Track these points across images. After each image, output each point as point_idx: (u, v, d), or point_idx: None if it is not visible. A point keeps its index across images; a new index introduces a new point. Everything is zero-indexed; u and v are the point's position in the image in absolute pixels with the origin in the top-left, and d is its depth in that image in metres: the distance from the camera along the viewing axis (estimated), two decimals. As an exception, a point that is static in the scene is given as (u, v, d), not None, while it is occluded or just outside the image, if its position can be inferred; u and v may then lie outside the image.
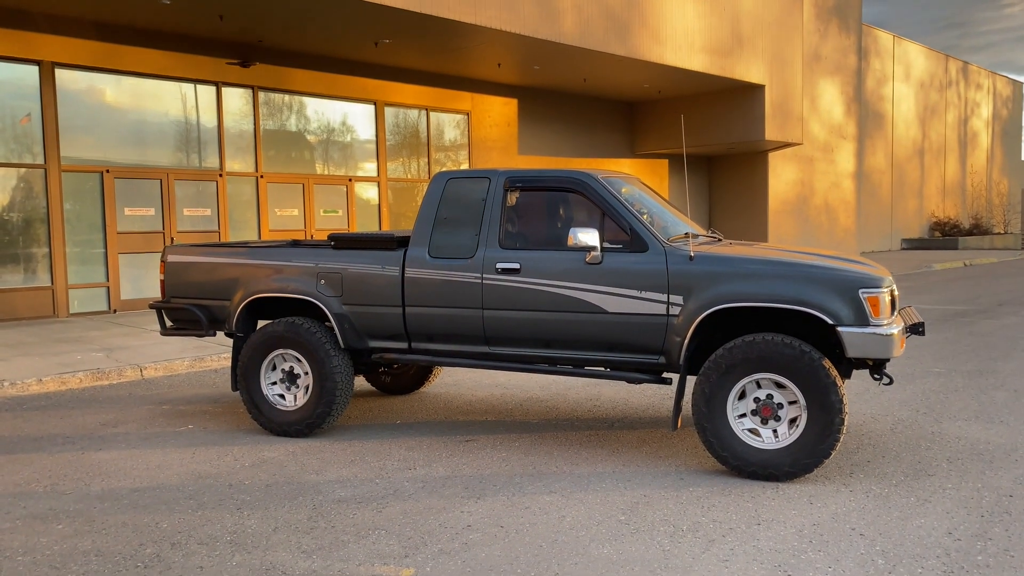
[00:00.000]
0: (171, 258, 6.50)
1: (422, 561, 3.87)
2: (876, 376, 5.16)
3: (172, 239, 14.22)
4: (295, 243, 7.26)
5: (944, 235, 35.53)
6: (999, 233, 38.27)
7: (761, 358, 4.89)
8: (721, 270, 5.06)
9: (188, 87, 14.45)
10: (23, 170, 12.64)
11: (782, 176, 24.79)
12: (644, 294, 5.19)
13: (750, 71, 20.08)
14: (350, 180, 16.81)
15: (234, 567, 3.82)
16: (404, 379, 7.52)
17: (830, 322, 4.81)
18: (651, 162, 24.20)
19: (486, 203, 5.71)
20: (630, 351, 5.33)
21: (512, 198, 5.69)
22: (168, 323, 6.63)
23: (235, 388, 6.33)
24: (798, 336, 5.26)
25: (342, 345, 5.95)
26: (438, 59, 16.55)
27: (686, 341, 5.10)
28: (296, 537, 4.17)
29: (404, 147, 17.94)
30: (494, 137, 19.42)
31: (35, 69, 12.67)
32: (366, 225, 17.15)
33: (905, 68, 33.90)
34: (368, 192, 17.30)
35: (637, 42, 16.87)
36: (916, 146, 35.15)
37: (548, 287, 5.40)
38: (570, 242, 5.18)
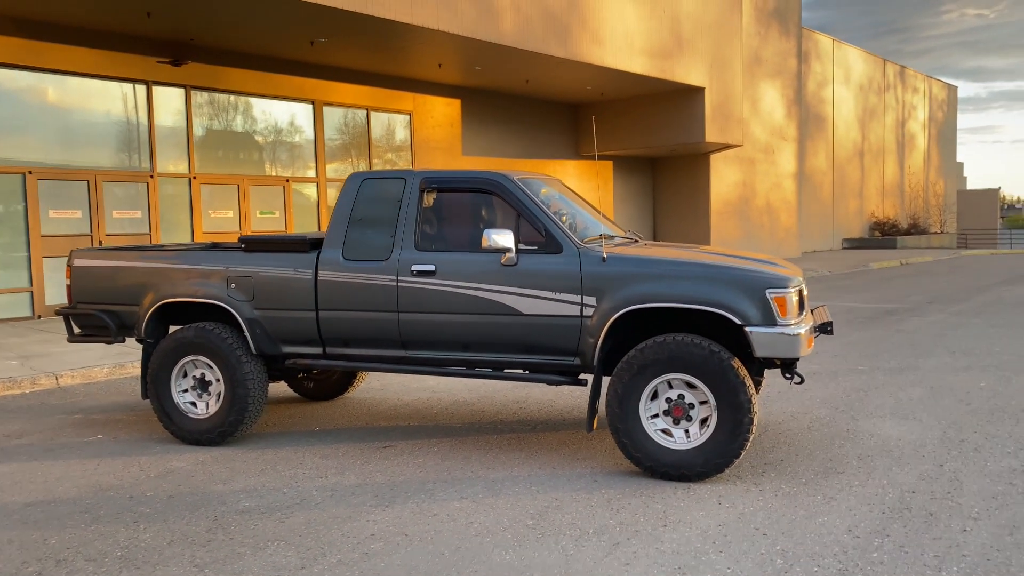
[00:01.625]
0: (77, 262, 6.28)
1: (318, 572, 3.76)
2: (787, 375, 5.20)
3: (101, 242, 13.82)
4: (214, 245, 7.07)
5: (883, 235, 36.39)
6: (936, 233, 39.34)
7: (672, 358, 4.89)
8: (633, 271, 5.04)
9: (117, 86, 14.06)
10: (-61, 171, 12.16)
11: (724, 178, 25.12)
12: (558, 295, 5.16)
13: (690, 73, 20.29)
14: (287, 181, 16.54)
15: (119, 584, 3.67)
16: (327, 384, 7.39)
17: (738, 322, 4.83)
18: (595, 164, 24.32)
19: (402, 204, 5.62)
20: (546, 353, 5.29)
21: (428, 199, 5.61)
22: (76, 329, 6.40)
23: (145, 396, 6.13)
24: (712, 336, 5.28)
25: (254, 351, 5.81)
26: (378, 59, 16.39)
27: (599, 342, 5.07)
28: (191, 550, 4.03)
29: (345, 148, 17.72)
30: (437, 138, 19.30)
31: (-49, 66, 12.20)
32: (304, 227, 16.90)
33: (845, 71, 34.64)
34: (307, 193, 17.05)
35: (577, 44, 16.92)
36: (856, 148, 35.94)
37: (464, 289, 5.33)
38: (484, 244, 5.12)
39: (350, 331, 5.64)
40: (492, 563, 3.85)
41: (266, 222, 16.22)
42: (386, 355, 5.66)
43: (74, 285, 6.27)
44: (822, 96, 32.90)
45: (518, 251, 5.27)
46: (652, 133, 22.04)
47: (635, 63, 18.48)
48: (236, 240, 6.20)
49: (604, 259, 5.10)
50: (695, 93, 21.02)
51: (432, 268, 5.40)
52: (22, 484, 5.11)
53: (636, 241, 5.98)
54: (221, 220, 15.55)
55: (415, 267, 5.43)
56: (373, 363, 5.72)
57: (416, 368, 5.63)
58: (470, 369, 5.60)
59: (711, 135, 21.35)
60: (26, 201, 13.00)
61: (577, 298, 5.12)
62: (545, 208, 5.34)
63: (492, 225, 5.51)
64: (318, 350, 5.80)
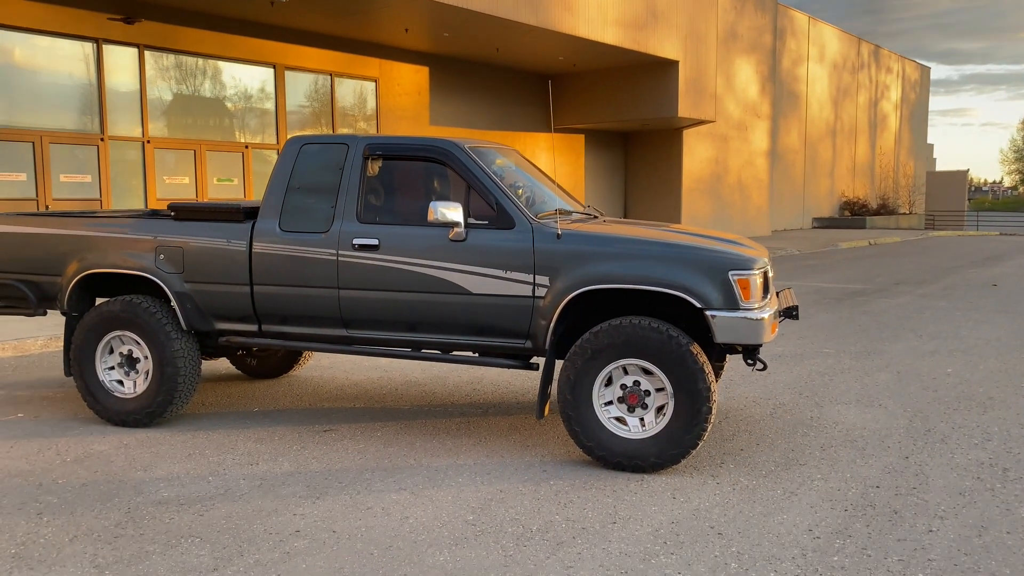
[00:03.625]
0: (-6, 228, 5.81)
1: (232, 575, 3.43)
2: (749, 362, 4.92)
3: (47, 206, 13.21)
4: (153, 213, 6.62)
5: (853, 214, 36.43)
6: (904, 213, 39.48)
7: (627, 343, 4.58)
8: (589, 249, 4.71)
9: (65, 43, 13.36)
10: None
11: (697, 154, 24.83)
12: (509, 274, 4.81)
13: (664, 46, 19.89)
14: (247, 147, 15.96)
15: (6, 588, 3.31)
16: (271, 362, 7.01)
17: (698, 305, 4.53)
18: (568, 137, 23.91)
19: (343, 172, 5.22)
20: (496, 335, 4.96)
21: (373, 167, 5.22)
22: (-6, 301, 5.95)
23: (68, 373, 5.72)
24: (672, 319, 4.98)
25: (184, 327, 5.41)
26: (343, 22, 15.79)
27: (552, 324, 4.75)
28: (94, 548, 3.67)
29: (308, 114, 17.14)
30: (404, 106, 18.76)
31: None
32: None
33: (820, 49, 34.40)
34: (268, 160, 16.48)
35: (548, 11, 16.43)
36: (829, 127, 35.83)
37: (408, 266, 4.97)
38: (431, 216, 4.75)
39: (287, 308, 5.26)
40: (424, 565, 3.54)
41: (224, 189, 15.65)
42: (326, 334, 5.29)
43: (-9, 253, 5.81)
44: (796, 74, 32.66)
45: (467, 225, 4.91)
46: (625, 107, 21.65)
47: (608, 33, 18.04)
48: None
49: (559, 236, 4.76)
50: (669, 66, 20.65)
51: (375, 242, 5.03)
52: (-77, 469, 4.70)
53: (596, 217, 5.64)
54: (176, 186, 14.96)
55: (357, 241, 5.06)
56: (313, 342, 5.35)
57: (358, 349, 5.28)
58: (416, 351, 5.26)
59: (684, 110, 21.02)
60: (-34, 162, 12.35)
61: (529, 277, 4.78)
62: (497, 179, 4.98)
63: (442, 197, 5.15)
64: (253, 327, 5.42)
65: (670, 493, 4.38)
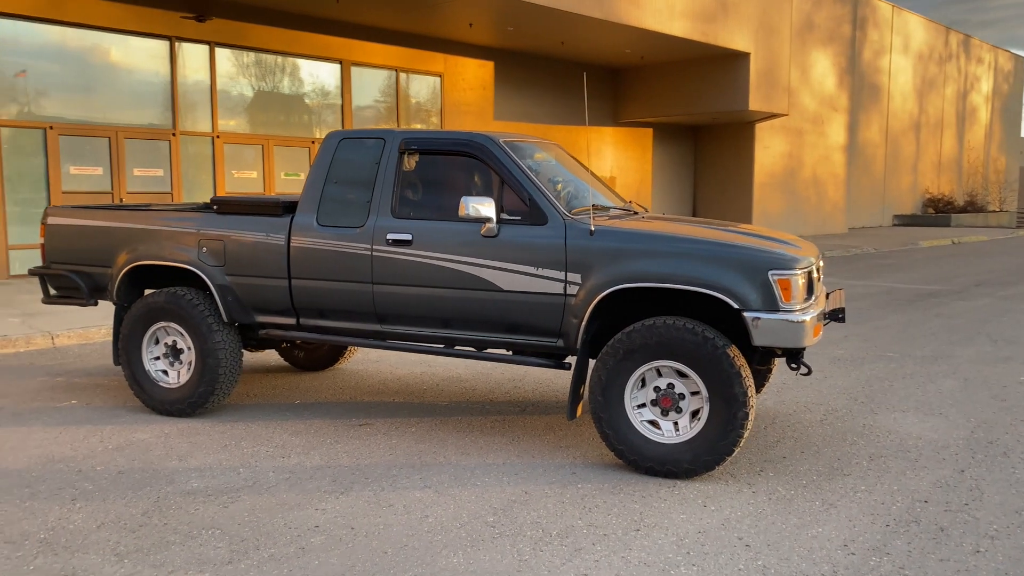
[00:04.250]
0: (51, 220, 6.01)
1: (244, 569, 3.44)
2: (792, 366, 4.70)
3: (122, 199, 13.69)
4: (204, 206, 6.74)
5: (938, 212, 34.92)
6: (994, 211, 37.64)
7: (661, 344, 4.43)
8: (623, 246, 4.57)
9: (140, 41, 13.82)
10: (-41, 125, 12.08)
11: (770, 148, 24.16)
12: (540, 271, 4.71)
13: (734, 38, 19.39)
14: (313, 143, 16.22)
15: (28, 572, 3.39)
16: (318, 355, 7.07)
17: (735, 306, 4.34)
18: (635, 131, 23.57)
19: (380, 167, 5.20)
20: (528, 333, 4.86)
21: (409, 162, 5.19)
22: (51, 291, 6.16)
23: (117, 362, 5.87)
24: (711, 320, 4.79)
25: (226, 319, 5.49)
26: (408, 18, 15.89)
27: (583, 323, 4.63)
28: (118, 536, 3.74)
29: (372, 109, 17.32)
30: (468, 101, 18.78)
31: (-30, 18, 12.05)
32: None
33: (904, 39, 33.04)
34: (333, 155, 16.69)
35: (614, 4, 16.19)
36: (912, 120, 34.40)
37: (440, 261, 4.92)
38: (462, 212, 4.69)
39: (324, 302, 5.28)
40: (436, 566, 3.48)
41: (291, 184, 15.96)
42: (362, 329, 5.29)
43: (47, 244, 6.01)
44: (878, 65, 31.45)
45: (500, 221, 4.83)
46: (694, 100, 21.21)
47: (676, 26, 17.68)
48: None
49: (592, 232, 4.64)
50: (739, 59, 20.12)
51: (408, 237, 4.99)
52: (-25, 452, 4.89)
53: (636, 213, 5.48)
54: (245, 181, 15.33)
55: (391, 236, 5.03)
56: (348, 336, 5.36)
57: (393, 344, 5.26)
58: (450, 348, 5.21)
59: (755, 103, 20.46)
60: (47, 156, 12.89)
61: (560, 274, 4.67)
62: (531, 174, 4.88)
63: (476, 192, 5.07)
64: (292, 320, 5.46)
65: (701, 501, 4.21)
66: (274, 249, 5.32)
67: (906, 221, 33.70)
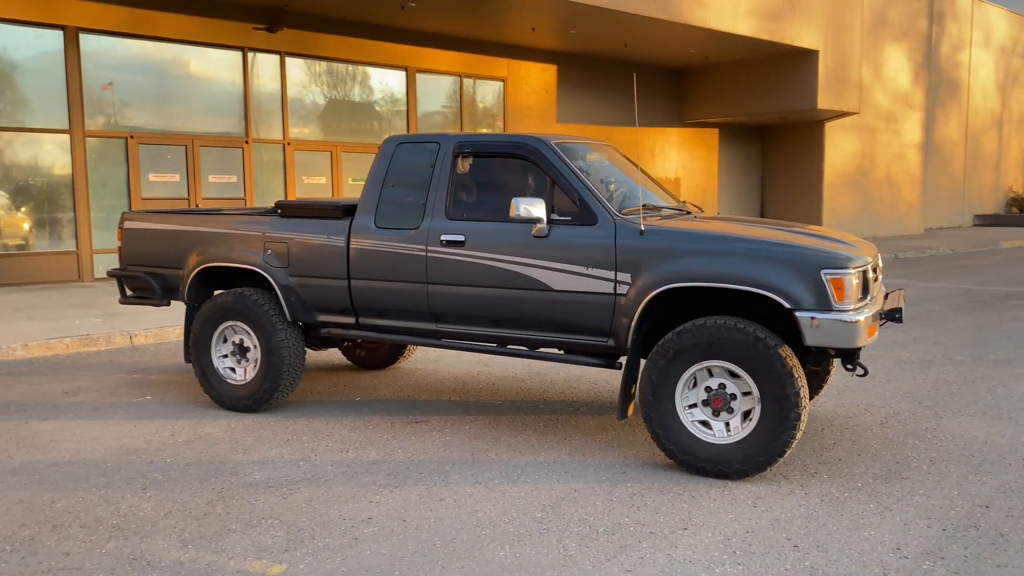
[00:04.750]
0: (127, 225, 6.33)
1: (299, 557, 3.58)
2: (848, 366, 4.63)
3: (198, 205, 14.23)
4: (270, 211, 7.00)
5: (1022, 211, 33.47)
6: (1084, 210, 35.82)
7: (712, 344, 4.42)
8: (672, 246, 4.58)
9: (215, 52, 14.36)
10: (49, 135, 12.75)
11: (840, 147, 23.57)
12: (590, 271, 4.76)
13: (802, 35, 19.01)
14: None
15: (101, 555, 3.60)
16: (379, 354, 7.25)
17: (787, 306, 4.31)
18: (701, 131, 23.30)
19: (435, 170, 5.33)
20: (579, 332, 4.91)
21: (462, 165, 5.30)
22: (128, 292, 6.48)
23: (188, 360, 6.15)
24: (765, 320, 4.76)
25: (289, 318, 5.69)
26: (471, 24, 16.09)
27: (633, 323, 4.65)
28: (183, 524, 3.93)
29: (437, 115, 17.59)
30: (531, 104, 18.90)
31: (60, 34, 12.71)
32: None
33: (985, 33, 31.79)
34: (398, 160, 17.00)
35: (678, 5, 16.08)
36: (994, 116, 33.06)
37: (492, 261, 5.01)
38: (512, 212, 4.77)
39: (381, 301, 5.43)
40: (483, 559, 3.56)
41: (357, 189, 16.31)
42: (418, 328, 5.42)
43: (124, 247, 6.33)
44: (957, 60, 30.34)
45: (550, 221, 4.89)
46: (760, 99, 20.85)
47: (741, 24, 17.44)
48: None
49: (641, 232, 4.66)
50: (807, 56, 19.71)
51: (461, 238, 5.10)
52: (57, 443, 5.19)
53: (689, 213, 5.47)
54: (314, 186, 15.75)
55: (444, 237, 5.15)
56: (405, 335, 5.50)
57: (448, 343, 5.37)
58: (503, 347, 5.30)
59: (824, 101, 20.00)
60: (128, 165, 13.51)
61: (610, 274, 4.70)
62: (581, 175, 4.93)
63: (528, 193, 5.15)
64: (351, 320, 5.63)
65: (751, 502, 4.19)
66: (334, 251, 5.50)
67: (988, 221, 32.40)
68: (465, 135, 5.33)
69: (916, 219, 26.51)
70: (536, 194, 5.10)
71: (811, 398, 5.69)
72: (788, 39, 18.65)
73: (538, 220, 4.81)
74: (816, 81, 19.72)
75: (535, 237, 4.89)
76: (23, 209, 12.71)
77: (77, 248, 13.13)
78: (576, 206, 4.86)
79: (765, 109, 20.90)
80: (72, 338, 8.21)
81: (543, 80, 19.04)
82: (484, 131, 18.28)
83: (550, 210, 4.92)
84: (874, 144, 24.63)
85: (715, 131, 23.56)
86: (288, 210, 5.75)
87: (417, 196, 5.33)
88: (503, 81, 18.42)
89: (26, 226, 12.75)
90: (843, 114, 21.83)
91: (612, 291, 4.71)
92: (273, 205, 5.98)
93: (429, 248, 5.20)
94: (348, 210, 5.58)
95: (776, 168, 24.74)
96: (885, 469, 4.66)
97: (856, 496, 4.26)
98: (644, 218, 4.80)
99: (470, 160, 5.28)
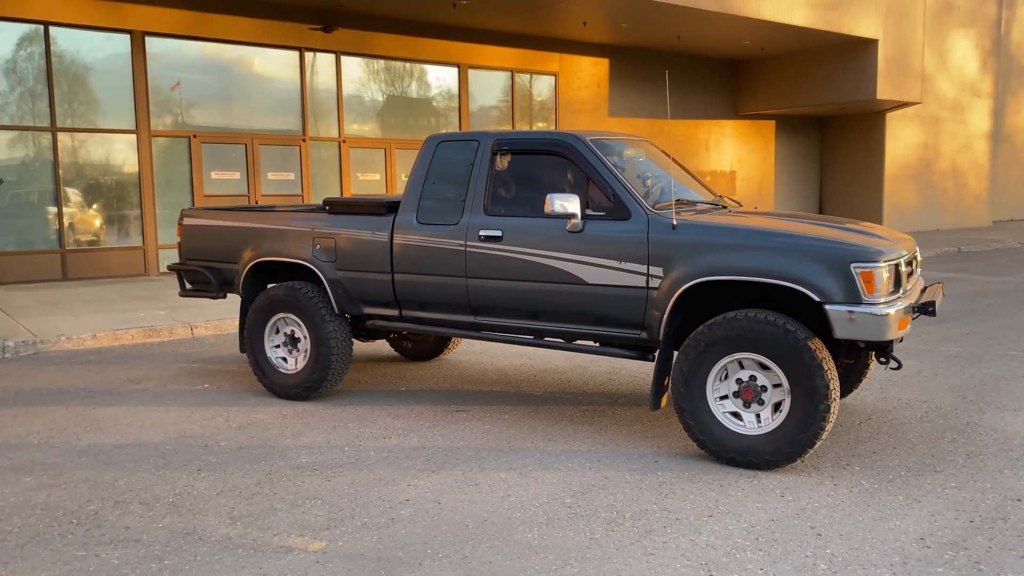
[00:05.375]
0: (186, 221, 6.67)
1: (339, 535, 3.80)
2: (882, 360, 4.66)
3: (257, 201, 14.71)
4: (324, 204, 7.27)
5: (1099, 202, 32.08)
6: None
7: (742, 336, 4.49)
8: (703, 240, 4.66)
9: (273, 52, 14.80)
10: (118, 135, 13.35)
11: (901, 138, 23.00)
12: (624, 265, 4.87)
13: (860, 25, 18.63)
14: (432, 144, 16.81)
15: (158, 529, 3.88)
16: (424, 346, 7.47)
17: (816, 299, 4.35)
18: (756, 123, 23.01)
19: (473, 167, 5.50)
20: (613, 325, 5.03)
21: (500, 162, 5.45)
22: (187, 285, 6.82)
23: (242, 350, 6.45)
24: (797, 313, 4.80)
25: (336, 311, 5.94)
26: (522, 19, 16.22)
27: (665, 316, 4.75)
28: (233, 503, 4.19)
29: (489, 111, 17.78)
30: (582, 99, 18.95)
31: (127, 38, 13.28)
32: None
33: (1059, 17, 30.56)
34: (451, 156, 17.25)
35: (730, -4, 15.93)
36: (1069, 103, 31.76)
37: (528, 256, 5.16)
38: (547, 208, 4.91)
39: (423, 295, 5.63)
40: (512, 540, 3.72)
41: (411, 184, 16.60)
42: (458, 320, 5.61)
43: (183, 242, 6.67)
44: (1028, 45, 29.22)
45: (585, 217, 5.02)
46: (818, 90, 20.50)
47: (796, 15, 17.18)
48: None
49: (674, 226, 4.75)
50: (866, 46, 19.30)
51: (499, 233, 5.26)
52: (121, 427, 5.53)
53: (725, 208, 5.53)
54: (369, 183, 16.11)
55: (482, 232, 5.32)
56: (445, 327, 5.69)
57: (487, 335, 5.55)
58: (540, 339, 5.44)
59: (884, 92, 19.57)
60: (191, 163, 14.05)
61: (643, 268, 4.81)
62: (615, 171, 5.04)
63: (564, 189, 5.28)
64: (395, 312, 5.84)
65: (779, 491, 4.26)
66: (378, 246, 5.72)
67: (1061, 213, 31.16)
68: (503, 133, 5.48)
69: (983, 211, 25.71)
70: (572, 190, 5.22)
71: (850, 392, 5.70)
72: (846, 29, 18.30)
73: (572, 215, 4.94)
74: (875, 71, 19.31)
75: (570, 232, 5.02)
76: (94, 207, 13.34)
77: (143, 243, 13.72)
78: (610, 201, 4.97)
79: (822, 100, 20.53)
80: (137, 329, 8.65)
81: (595, 74, 19.07)
82: (541, 125, 18.42)
83: (584, 205, 5.04)
84: (938, 134, 23.96)
85: (771, 123, 23.24)
86: (335, 207, 5.99)
87: (457, 193, 5.51)
88: (555, 76, 18.51)
89: (97, 223, 13.38)
90: (904, 104, 21.32)
91: (644, 285, 4.82)
92: (322, 202, 6.22)
93: (468, 243, 5.37)
94: (392, 207, 5.79)
95: (835, 160, 24.27)
96: (919, 462, 4.67)
97: (886, 488, 4.29)
98: (677, 213, 4.89)
99: (508, 157, 5.43)
